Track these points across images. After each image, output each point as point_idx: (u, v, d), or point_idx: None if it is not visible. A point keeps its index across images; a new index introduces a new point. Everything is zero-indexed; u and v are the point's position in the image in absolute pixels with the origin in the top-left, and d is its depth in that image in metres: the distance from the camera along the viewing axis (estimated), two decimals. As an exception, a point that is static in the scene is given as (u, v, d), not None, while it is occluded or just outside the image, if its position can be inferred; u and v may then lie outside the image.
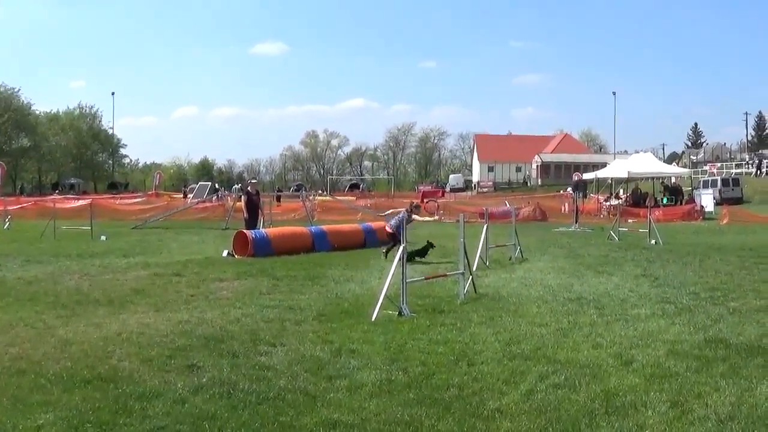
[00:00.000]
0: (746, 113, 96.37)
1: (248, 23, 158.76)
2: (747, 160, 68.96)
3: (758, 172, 59.99)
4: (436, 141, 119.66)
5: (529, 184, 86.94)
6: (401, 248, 8.61)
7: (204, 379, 5.71)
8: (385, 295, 8.38)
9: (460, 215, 11.05)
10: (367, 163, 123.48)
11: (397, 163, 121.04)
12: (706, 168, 64.48)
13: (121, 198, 47.92)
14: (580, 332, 7.53)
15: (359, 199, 47.96)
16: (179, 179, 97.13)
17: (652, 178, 44.23)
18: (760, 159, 64.83)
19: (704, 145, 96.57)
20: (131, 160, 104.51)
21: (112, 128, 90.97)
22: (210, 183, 58.09)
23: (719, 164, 66.55)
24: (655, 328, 7.73)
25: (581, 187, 42.99)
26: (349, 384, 5.61)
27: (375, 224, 19.68)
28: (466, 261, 9.78)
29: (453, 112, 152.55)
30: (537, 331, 7.59)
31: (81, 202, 36.24)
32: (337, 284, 11.14)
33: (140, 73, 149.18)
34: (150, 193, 58.01)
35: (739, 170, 61.60)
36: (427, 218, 22.27)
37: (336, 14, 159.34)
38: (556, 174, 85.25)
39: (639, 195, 39.78)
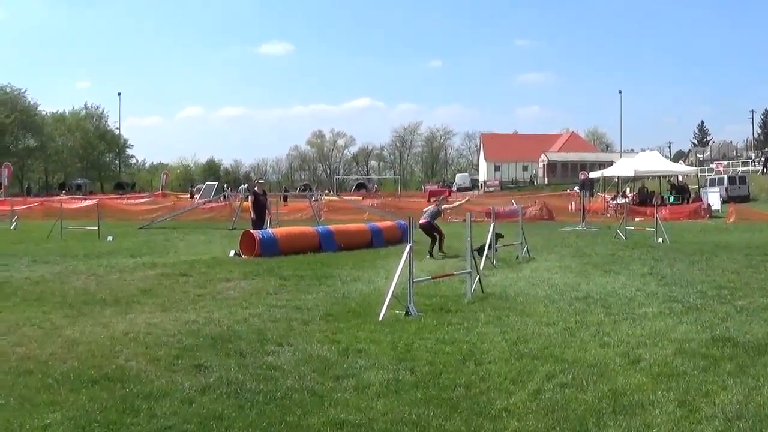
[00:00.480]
0: (752, 111, 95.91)
1: (254, 23, 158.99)
2: (753, 158, 68.56)
3: (765, 170, 59.54)
4: (442, 140, 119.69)
5: (535, 183, 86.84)
6: (408, 247, 8.61)
7: (211, 379, 5.72)
8: (392, 294, 8.39)
9: (467, 214, 11.04)
10: (373, 163, 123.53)
11: (404, 163, 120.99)
12: (713, 166, 64.21)
13: (127, 198, 48.04)
14: (588, 331, 7.52)
15: (366, 199, 47.97)
16: (186, 179, 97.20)
17: (659, 177, 44.09)
18: (767, 157, 64.49)
19: (710, 143, 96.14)
20: (138, 161, 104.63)
21: (119, 128, 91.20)
22: (216, 183, 58.15)
23: (726, 162, 66.27)
24: (662, 326, 7.71)
25: (588, 185, 43.01)
26: (356, 384, 5.62)
27: (382, 224, 19.70)
28: (473, 260, 9.77)
29: (458, 111, 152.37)
30: (544, 330, 7.58)
31: (88, 203, 36.39)
32: (344, 284, 11.15)
33: (145, 73, 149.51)
34: (157, 193, 58.18)
35: (745, 168, 61.26)
36: (458, 201, 22.67)
37: (341, 14, 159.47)
38: (562, 173, 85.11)
39: (646, 193, 39.65)
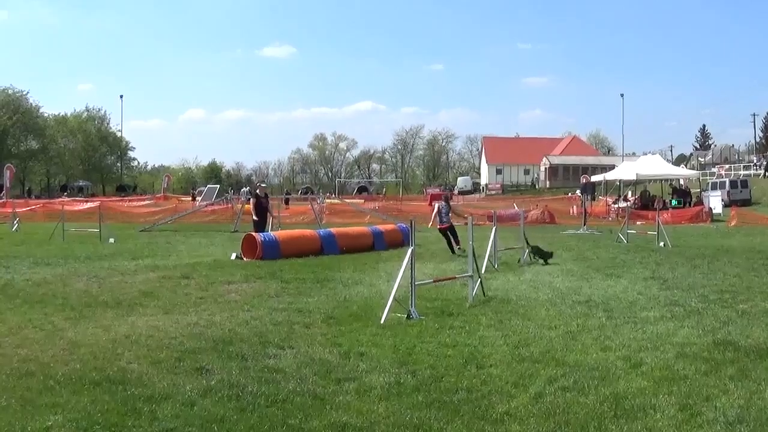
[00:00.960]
0: (754, 114, 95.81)
1: (256, 26, 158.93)
2: (755, 161, 68.49)
3: (766, 173, 59.58)
4: (444, 143, 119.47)
5: (537, 187, 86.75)
6: (410, 250, 8.61)
7: (213, 382, 5.72)
8: (394, 297, 8.39)
9: (469, 218, 11.04)
10: (375, 166, 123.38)
11: (406, 166, 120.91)
12: (715, 170, 64.12)
13: (129, 200, 48.07)
14: (589, 335, 7.52)
15: (367, 202, 47.97)
16: (188, 182, 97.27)
17: (661, 180, 44.11)
18: (769, 160, 64.46)
19: (712, 146, 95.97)
20: (139, 163, 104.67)
21: (121, 131, 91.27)
22: (218, 186, 58.14)
23: (727, 166, 66.18)
24: (663, 330, 7.71)
25: (589, 189, 42.92)
26: (357, 387, 5.62)
27: (383, 227, 19.70)
28: (474, 264, 9.77)
29: (460, 114, 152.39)
30: (546, 334, 7.58)
31: (89, 205, 36.42)
32: (346, 287, 11.15)
33: (147, 75, 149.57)
34: (158, 195, 58.18)
35: (747, 172, 61.19)
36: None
37: (343, 17, 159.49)
38: (564, 176, 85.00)
39: (647, 197, 39.67)
